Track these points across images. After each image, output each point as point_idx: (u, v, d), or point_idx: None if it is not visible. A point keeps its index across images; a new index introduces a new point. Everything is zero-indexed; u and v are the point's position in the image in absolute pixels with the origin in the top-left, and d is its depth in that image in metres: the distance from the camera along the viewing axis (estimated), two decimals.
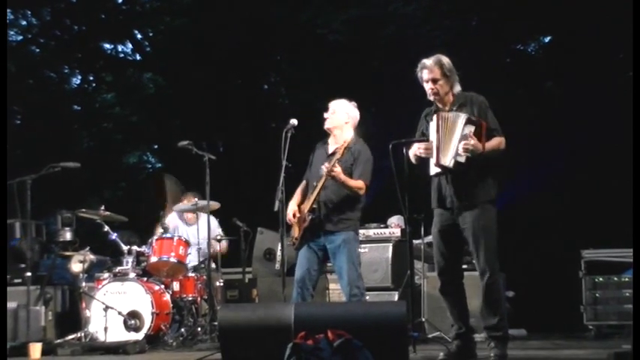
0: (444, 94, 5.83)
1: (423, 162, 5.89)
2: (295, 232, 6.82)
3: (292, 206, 6.91)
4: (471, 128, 5.64)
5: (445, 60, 5.85)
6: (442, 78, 5.81)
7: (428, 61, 5.85)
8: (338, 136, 6.89)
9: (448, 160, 5.67)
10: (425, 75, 5.83)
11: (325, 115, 6.91)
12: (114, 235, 8.42)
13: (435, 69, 5.81)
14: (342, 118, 6.90)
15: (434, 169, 5.82)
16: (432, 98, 5.86)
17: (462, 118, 5.67)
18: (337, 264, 6.78)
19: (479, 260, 5.73)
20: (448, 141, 5.69)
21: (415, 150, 5.87)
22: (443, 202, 5.83)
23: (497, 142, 5.76)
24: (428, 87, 5.83)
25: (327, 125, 6.89)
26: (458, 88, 5.88)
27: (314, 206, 6.71)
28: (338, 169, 6.55)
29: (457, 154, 5.64)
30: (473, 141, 5.61)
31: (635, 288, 7.37)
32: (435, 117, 5.78)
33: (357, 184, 6.73)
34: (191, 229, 8.94)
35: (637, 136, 5.45)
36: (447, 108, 5.84)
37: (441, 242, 5.86)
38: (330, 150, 6.90)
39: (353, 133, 6.84)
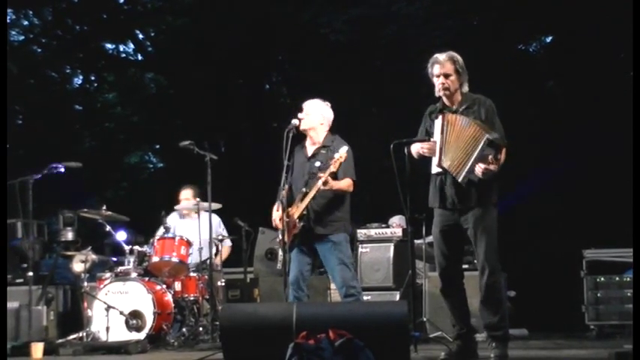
0: (454, 90, 5.81)
1: (425, 160, 5.89)
2: (284, 236, 6.81)
3: (277, 212, 6.91)
4: (492, 152, 5.59)
5: (458, 57, 5.84)
6: (454, 74, 5.79)
7: (441, 56, 5.84)
8: (313, 137, 6.96)
9: (461, 176, 5.62)
10: (436, 70, 5.81)
11: (299, 115, 6.90)
12: (122, 233, 8.43)
13: (447, 64, 5.79)
14: (316, 119, 6.94)
15: (435, 168, 5.82)
16: (441, 94, 5.82)
17: (485, 138, 5.56)
18: (329, 266, 6.83)
19: (480, 260, 5.73)
20: (457, 150, 5.64)
21: (418, 148, 5.86)
22: (444, 202, 5.83)
23: (502, 154, 5.76)
24: (438, 82, 5.80)
25: (302, 127, 6.88)
26: (466, 88, 5.86)
27: (304, 212, 6.73)
28: (330, 180, 6.59)
29: (472, 172, 5.60)
30: (493, 167, 5.58)
31: (635, 288, 7.38)
32: (440, 117, 5.77)
33: (346, 183, 6.77)
34: (190, 223, 8.86)
35: (637, 137, 5.46)
36: (455, 107, 5.82)
37: (442, 242, 5.86)
38: (309, 152, 6.95)
39: (327, 133, 6.94)
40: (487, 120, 5.73)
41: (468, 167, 5.61)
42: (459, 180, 5.64)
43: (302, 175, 6.87)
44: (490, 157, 5.58)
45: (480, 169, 5.58)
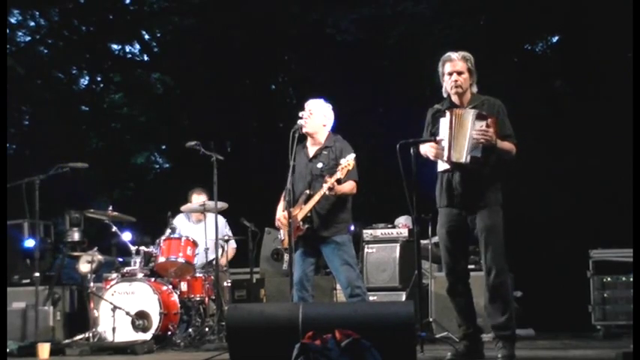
0: (465, 89, 5.81)
1: (430, 161, 5.89)
2: (286, 237, 6.82)
3: (280, 212, 6.94)
4: (482, 123, 5.63)
5: (470, 56, 5.86)
6: (466, 72, 5.80)
7: (453, 54, 5.84)
8: (315, 137, 6.94)
9: (463, 157, 5.65)
10: (448, 67, 5.81)
11: (301, 114, 6.88)
12: (128, 233, 8.45)
13: (460, 62, 5.80)
14: (320, 120, 6.93)
15: (442, 166, 5.81)
16: (453, 91, 5.81)
17: (472, 113, 5.66)
18: (334, 267, 6.84)
19: (487, 260, 5.72)
20: (460, 137, 5.67)
21: (426, 151, 5.85)
22: (452, 202, 5.82)
23: (510, 146, 5.78)
24: (451, 79, 5.79)
25: (305, 130, 6.85)
26: (475, 88, 5.88)
27: (308, 215, 6.73)
28: (336, 186, 6.60)
29: (473, 148, 5.62)
30: (490, 130, 5.60)
31: (635, 288, 7.36)
32: (448, 113, 5.76)
33: (350, 186, 6.76)
34: (198, 227, 8.91)
35: (637, 138, 5.46)
36: (464, 106, 5.81)
37: (449, 242, 5.86)
38: (311, 153, 6.93)
39: (329, 133, 6.94)
40: (496, 119, 5.74)
41: (467, 146, 5.62)
42: (463, 161, 5.63)
43: (304, 175, 6.86)
44: (482, 125, 5.61)
45: (477, 135, 5.59)
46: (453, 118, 5.71)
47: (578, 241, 9.67)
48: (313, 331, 4.86)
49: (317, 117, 6.91)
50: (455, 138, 5.69)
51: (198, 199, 8.97)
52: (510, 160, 5.83)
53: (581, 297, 8.94)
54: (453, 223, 5.84)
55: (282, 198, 6.94)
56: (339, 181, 6.62)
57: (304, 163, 6.89)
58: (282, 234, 6.96)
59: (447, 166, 5.78)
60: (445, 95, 5.92)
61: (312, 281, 6.89)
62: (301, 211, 6.72)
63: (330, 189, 6.55)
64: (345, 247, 6.77)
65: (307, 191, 6.77)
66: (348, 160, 6.60)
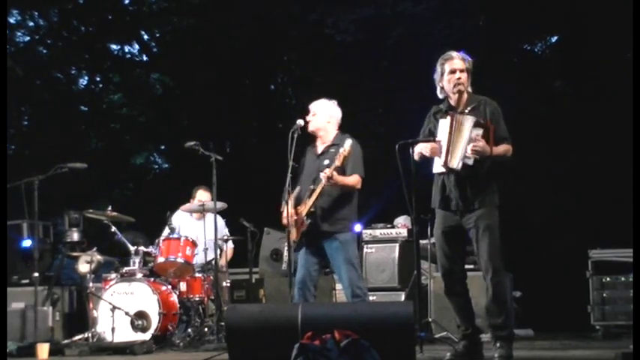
0: (466, 88, 5.82)
1: (427, 161, 5.88)
2: (293, 234, 6.83)
3: (290, 209, 6.94)
4: (479, 131, 5.64)
5: (468, 57, 5.88)
6: (466, 72, 5.82)
7: (454, 53, 5.86)
8: (323, 136, 6.98)
9: (456, 163, 5.66)
10: (449, 66, 5.81)
11: (307, 118, 6.94)
12: (119, 235, 8.45)
13: (461, 61, 5.82)
14: (323, 119, 6.96)
15: (438, 168, 5.81)
16: (455, 90, 5.79)
17: (470, 120, 5.66)
18: (336, 265, 6.85)
19: (483, 260, 5.72)
20: (458, 144, 5.67)
21: (421, 149, 5.85)
22: (447, 204, 5.82)
23: (505, 148, 5.76)
24: (454, 77, 5.78)
25: (310, 128, 6.91)
26: (470, 89, 5.88)
27: (311, 210, 6.73)
28: (335, 175, 6.61)
29: (465, 156, 5.63)
30: (481, 143, 5.61)
31: (635, 288, 7.36)
32: (448, 117, 5.76)
33: (353, 180, 6.77)
34: (199, 224, 8.86)
35: (637, 138, 5.46)
36: (461, 107, 5.81)
37: (445, 243, 5.86)
38: (319, 151, 6.97)
39: (337, 131, 6.96)
40: (492, 121, 5.74)
41: (460, 152, 5.64)
42: (454, 166, 5.65)
43: (311, 172, 6.89)
44: (477, 135, 5.61)
45: (470, 147, 5.60)
46: (454, 123, 5.71)
47: (578, 241, 9.68)
48: (312, 332, 4.85)
49: (321, 116, 6.95)
50: (453, 144, 5.70)
51: (203, 195, 8.95)
52: (506, 162, 5.82)
53: (580, 297, 8.94)
54: (449, 224, 5.84)
55: (289, 197, 6.92)
56: (343, 173, 6.63)
57: (312, 161, 6.94)
58: (291, 234, 6.95)
59: (442, 169, 5.79)
60: (441, 96, 5.92)
61: (315, 281, 6.89)
62: (305, 207, 6.74)
63: (329, 178, 6.54)
64: (349, 247, 6.77)
65: (311, 187, 6.79)
66: (345, 147, 6.61)
